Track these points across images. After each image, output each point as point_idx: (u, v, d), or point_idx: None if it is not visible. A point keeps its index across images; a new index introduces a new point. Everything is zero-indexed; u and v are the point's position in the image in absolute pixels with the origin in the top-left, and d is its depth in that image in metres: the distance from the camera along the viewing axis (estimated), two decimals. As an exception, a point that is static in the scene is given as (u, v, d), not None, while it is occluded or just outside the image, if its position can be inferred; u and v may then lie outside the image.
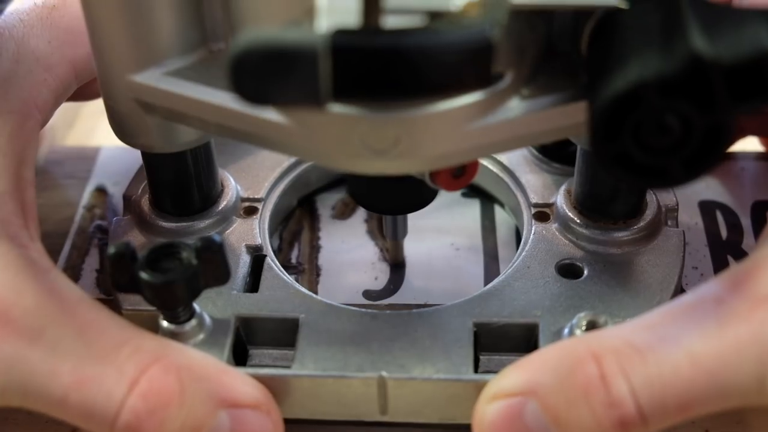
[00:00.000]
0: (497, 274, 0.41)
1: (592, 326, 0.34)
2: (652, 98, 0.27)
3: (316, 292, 0.41)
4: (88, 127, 0.57)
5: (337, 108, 0.29)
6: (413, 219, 0.40)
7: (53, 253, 0.43)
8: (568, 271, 0.38)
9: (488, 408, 0.32)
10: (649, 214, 0.38)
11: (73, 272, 0.42)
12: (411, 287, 0.42)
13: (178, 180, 0.38)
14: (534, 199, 0.41)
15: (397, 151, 0.30)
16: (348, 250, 0.43)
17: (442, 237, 0.44)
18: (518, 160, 0.43)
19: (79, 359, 0.32)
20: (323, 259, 0.43)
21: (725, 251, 0.43)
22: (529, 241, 0.39)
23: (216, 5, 0.33)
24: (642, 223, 0.38)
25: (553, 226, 0.39)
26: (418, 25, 0.27)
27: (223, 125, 0.33)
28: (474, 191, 0.45)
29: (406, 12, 0.28)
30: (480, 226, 0.44)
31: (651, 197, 0.39)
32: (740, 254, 0.43)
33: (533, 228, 0.39)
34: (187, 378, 0.32)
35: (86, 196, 0.47)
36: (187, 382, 0.32)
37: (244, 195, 0.41)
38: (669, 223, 0.39)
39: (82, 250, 0.44)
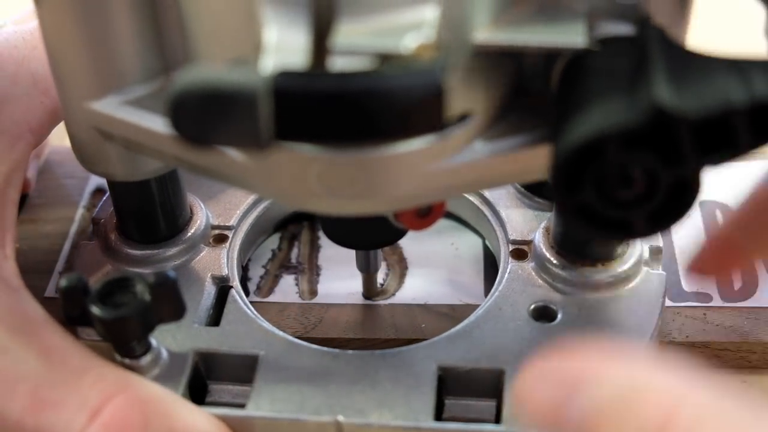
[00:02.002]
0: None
1: (560, 375, 0.33)
2: (612, 150, 0.26)
3: (316, 292, 0.41)
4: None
5: (292, 147, 0.28)
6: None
7: (53, 253, 0.43)
8: (541, 314, 0.36)
9: None
10: (629, 256, 0.37)
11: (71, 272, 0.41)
12: (411, 287, 0.41)
13: (143, 207, 0.37)
14: (513, 236, 0.39)
15: (355, 192, 0.29)
16: (348, 250, 0.42)
17: (442, 237, 0.43)
18: (500, 193, 0.41)
19: (39, 382, 0.32)
20: (323, 258, 0.43)
21: (725, 251, 0.42)
22: (504, 280, 0.37)
23: (176, 33, 0.32)
24: (622, 267, 0.37)
25: (529, 265, 0.38)
26: (366, 67, 0.26)
27: (180, 158, 0.32)
28: (455, 220, 0.44)
29: (356, 53, 0.27)
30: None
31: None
32: (740, 254, 0.42)
33: (509, 266, 0.38)
34: (151, 412, 0.32)
35: (86, 196, 0.47)
36: (150, 417, 0.32)
37: (215, 222, 0.40)
38: (652, 265, 0.38)
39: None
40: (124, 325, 0.32)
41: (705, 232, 0.43)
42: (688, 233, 0.43)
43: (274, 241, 0.44)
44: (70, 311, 0.33)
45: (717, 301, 0.40)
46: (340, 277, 0.42)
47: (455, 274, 0.42)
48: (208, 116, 0.26)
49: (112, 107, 0.32)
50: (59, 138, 0.53)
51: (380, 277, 0.42)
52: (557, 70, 0.30)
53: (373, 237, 0.36)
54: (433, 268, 0.42)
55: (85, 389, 0.32)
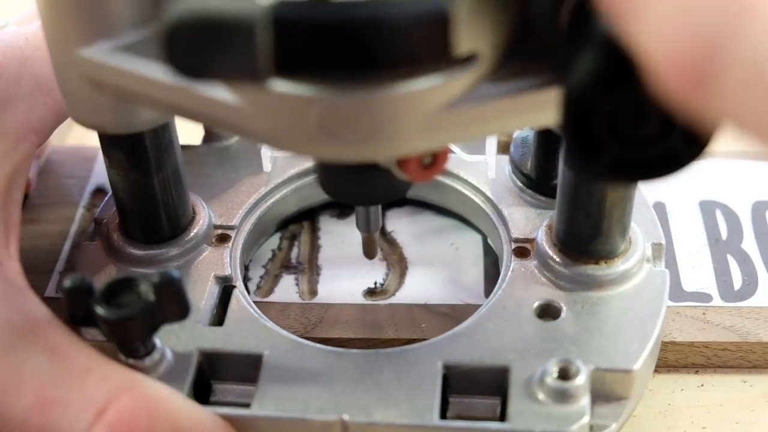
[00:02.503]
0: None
1: (564, 374, 0.33)
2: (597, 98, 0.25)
3: (316, 292, 0.41)
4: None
5: (290, 87, 0.27)
6: (414, 219, 0.39)
7: (53, 253, 0.43)
8: (544, 311, 0.36)
9: None
10: (632, 253, 0.37)
11: (73, 272, 0.41)
12: (411, 287, 0.42)
13: (146, 207, 0.37)
14: (515, 234, 0.39)
15: (357, 136, 0.27)
16: (348, 250, 0.43)
17: (442, 237, 0.44)
18: (502, 191, 0.41)
19: (45, 381, 0.32)
20: (323, 258, 0.43)
21: (725, 251, 0.43)
22: (507, 278, 0.37)
23: None
24: (624, 264, 0.37)
25: (532, 264, 0.38)
26: None
27: (173, 105, 0.30)
28: (456, 218, 0.44)
29: None
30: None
31: (636, 235, 0.38)
32: (740, 254, 0.42)
33: (512, 265, 0.38)
34: (156, 411, 0.32)
35: (86, 196, 0.47)
36: (156, 416, 0.32)
37: (217, 222, 0.40)
38: (654, 262, 0.38)
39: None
40: (129, 325, 0.32)
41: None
42: (688, 233, 0.43)
43: (274, 242, 0.44)
44: (74, 311, 0.33)
45: (717, 301, 0.40)
46: (340, 277, 0.42)
47: (456, 273, 0.42)
48: (204, 47, 0.25)
49: (103, 53, 0.31)
50: (59, 138, 0.53)
51: (380, 276, 0.42)
52: (566, 7, 0.29)
53: (374, 191, 0.34)
54: (433, 268, 0.43)
55: (90, 388, 0.32)
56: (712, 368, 0.39)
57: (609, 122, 0.25)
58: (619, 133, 0.26)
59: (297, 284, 0.42)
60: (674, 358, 0.39)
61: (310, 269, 0.43)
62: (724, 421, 0.37)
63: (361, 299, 0.41)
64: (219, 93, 0.29)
